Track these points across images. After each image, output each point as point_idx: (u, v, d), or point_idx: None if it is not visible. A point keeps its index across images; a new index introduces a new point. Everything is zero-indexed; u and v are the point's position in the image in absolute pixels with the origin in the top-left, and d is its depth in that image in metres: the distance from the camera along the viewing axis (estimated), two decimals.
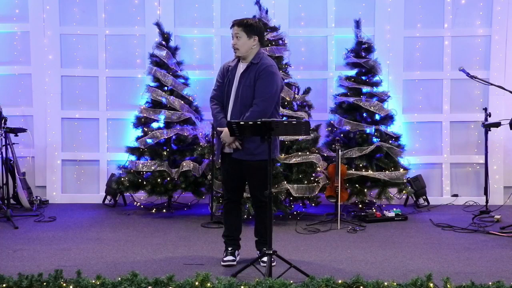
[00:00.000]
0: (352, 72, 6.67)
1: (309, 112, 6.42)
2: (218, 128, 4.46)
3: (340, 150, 6.07)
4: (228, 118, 4.38)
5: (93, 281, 3.63)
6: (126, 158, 6.61)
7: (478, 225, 5.76)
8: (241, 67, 4.45)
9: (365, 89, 6.54)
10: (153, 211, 6.62)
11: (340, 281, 3.62)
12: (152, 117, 6.55)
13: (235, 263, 4.48)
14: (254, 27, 4.40)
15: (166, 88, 6.61)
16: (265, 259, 4.17)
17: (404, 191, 6.53)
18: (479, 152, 7.02)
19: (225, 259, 4.52)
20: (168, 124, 6.56)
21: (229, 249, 4.59)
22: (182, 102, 6.54)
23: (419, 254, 4.82)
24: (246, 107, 4.35)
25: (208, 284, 3.57)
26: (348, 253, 4.88)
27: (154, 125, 6.59)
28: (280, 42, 6.46)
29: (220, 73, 4.54)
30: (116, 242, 5.23)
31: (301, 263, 4.38)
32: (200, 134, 6.64)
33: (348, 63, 6.66)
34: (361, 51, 6.61)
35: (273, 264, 4.20)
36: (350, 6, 7.07)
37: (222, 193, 4.69)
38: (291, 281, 3.60)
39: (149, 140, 6.49)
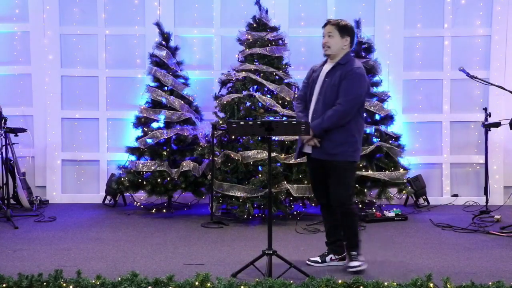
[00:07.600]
0: None
1: None
2: None
3: None
4: (310, 116, 4.33)
5: (93, 281, 3.63)
6: (126, 158, 6.61)
7: (478, 225, 5.76)
8: (327, 66, 4.41)
9: None
10: (153, 211, 6.62)
11: (340, 281, 3.62)
12: (152, 117, 6.55)
13: (315, 264, 4.47)
14: (348, 28, 4.38)
15: (166, 88, 6.61)
16: (353, 264, 4.27)
17: (404, 191, 6.53)
18: (479, 152, 7.02)
19: (311, 258, 4.52)
20: (168, 124, 6.56)
21: (325, 252, 4.54)
22: (182, 102, 6.54)
23: (419, 254, 4.82)
24: (328, 106, 4.25)
25: (208, 284, 3.57)
26: None
27: (154, 125, 6.59)
28: (280, 42, 6.46)
29: (307, 74, 4.52)
30: (116, 242, 5.23)
31: (301, 263, 4.37)
32: (200, 134, 6.64)
33: None
34: (361, 51, 6.60)
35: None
36: (350, 6, 7.07)
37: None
38: (291, 281, 3.60)
39: (149, 140, 6.49)
